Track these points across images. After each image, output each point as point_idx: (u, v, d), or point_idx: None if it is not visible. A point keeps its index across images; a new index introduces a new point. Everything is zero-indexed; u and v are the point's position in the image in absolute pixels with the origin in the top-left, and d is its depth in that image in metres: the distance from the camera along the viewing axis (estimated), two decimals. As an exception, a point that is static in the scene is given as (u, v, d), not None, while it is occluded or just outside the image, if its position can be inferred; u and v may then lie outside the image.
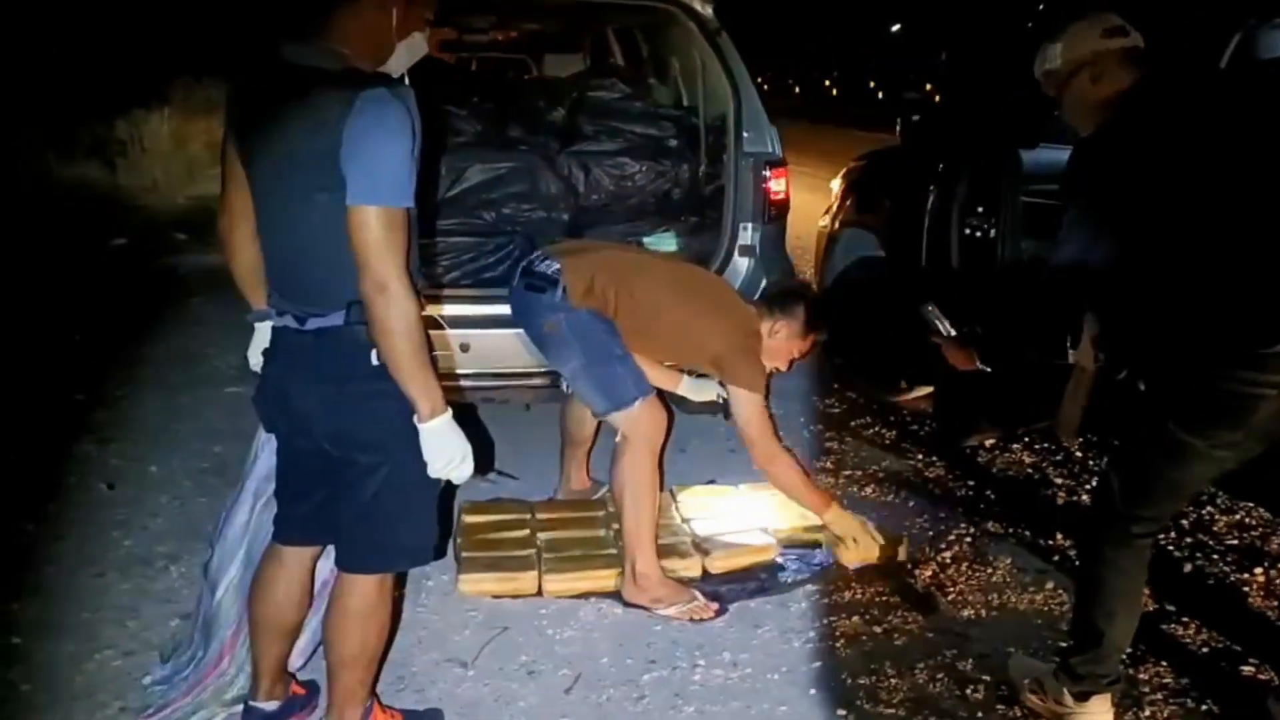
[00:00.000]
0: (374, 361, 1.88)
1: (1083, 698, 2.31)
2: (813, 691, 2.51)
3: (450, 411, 1.89)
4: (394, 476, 1.96)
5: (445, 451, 1.90)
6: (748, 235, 3.75)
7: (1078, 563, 2.50)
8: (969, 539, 3.29)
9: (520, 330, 3.07)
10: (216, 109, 13.19)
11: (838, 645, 2.71)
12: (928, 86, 24.94)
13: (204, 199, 9.81)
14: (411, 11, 1.97)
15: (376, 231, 1.76)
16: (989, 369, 2.51)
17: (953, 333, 2.74)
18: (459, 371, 3.32)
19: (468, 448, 1.93)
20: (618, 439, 2.93)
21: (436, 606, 2.84)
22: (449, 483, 1.99)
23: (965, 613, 2.86)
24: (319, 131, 1.78)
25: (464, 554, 3.00)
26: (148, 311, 5.68)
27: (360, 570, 2.06)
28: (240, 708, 2.31)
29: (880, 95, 28.59)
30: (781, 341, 3.09)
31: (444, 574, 2.98)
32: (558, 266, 2.92)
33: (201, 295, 6.05)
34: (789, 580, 3.01)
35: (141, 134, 10.75)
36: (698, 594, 2.87)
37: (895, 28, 36.06)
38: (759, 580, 3.00)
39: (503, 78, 6.91)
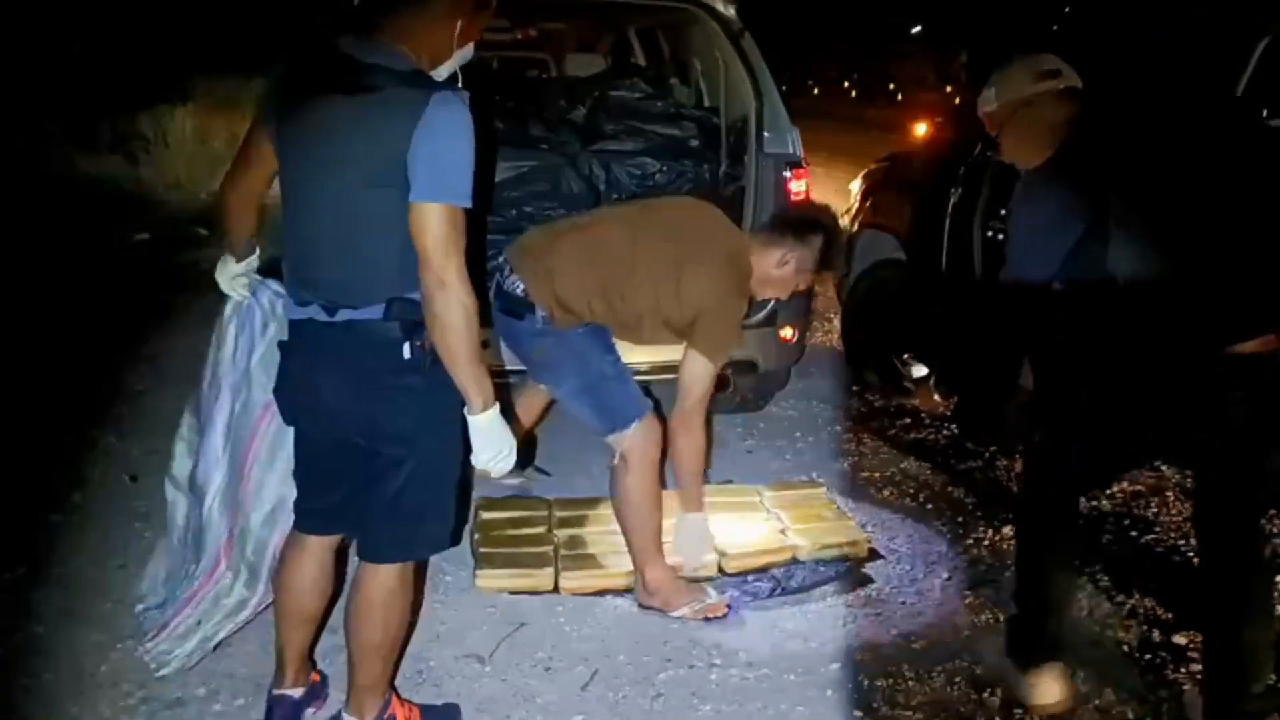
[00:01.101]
0: (405, 355, 1.92)
1: (1029, 666, 2.42)
2: (830, 693, 2.51)
3: (498, 406, 1.95)
4: (420, 469, 2.00)
5: (493, 444, 1.96)
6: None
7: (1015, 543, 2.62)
8: (987, 543, 3.29)
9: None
10: (239, 105, 13.26)
11: (855, 647, 2.71)
12: (948, 89, 24.84)
13: (226, 195, 9.87)
14: (474, 23, 2.00)
15: (441, 228, 1.81)
16: (954, 401, 2.63)
17: (922, 372, 2.84)
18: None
19: (513, 442, 2.00)
20: (615, 461, 2.81)
21: (454, 602, 2.85)
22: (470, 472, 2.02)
23: (983, 616, 2.85)
24: (384, 129, 1.82)
25: (481, 550, 3.01)
26: (169, 306, 5.72)
27: (383, 560, 2.08)
28: (243, 614, 2.43)
29: (900, 97, 28.47)
30: (790, 274, 2.86)
31: (461, 570, 2.99)
32: (523, 286, 2.75)
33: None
34: (806, 582, 3.00)
35: (164, 129, 10.81)
36: (711, 590, 2.87)
37: (916, 29, 35.94)
38: (775, 581, 3.00)
39: (524, 77, 6.93)
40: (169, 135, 10.75)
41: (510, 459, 2.00)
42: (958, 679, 2.56)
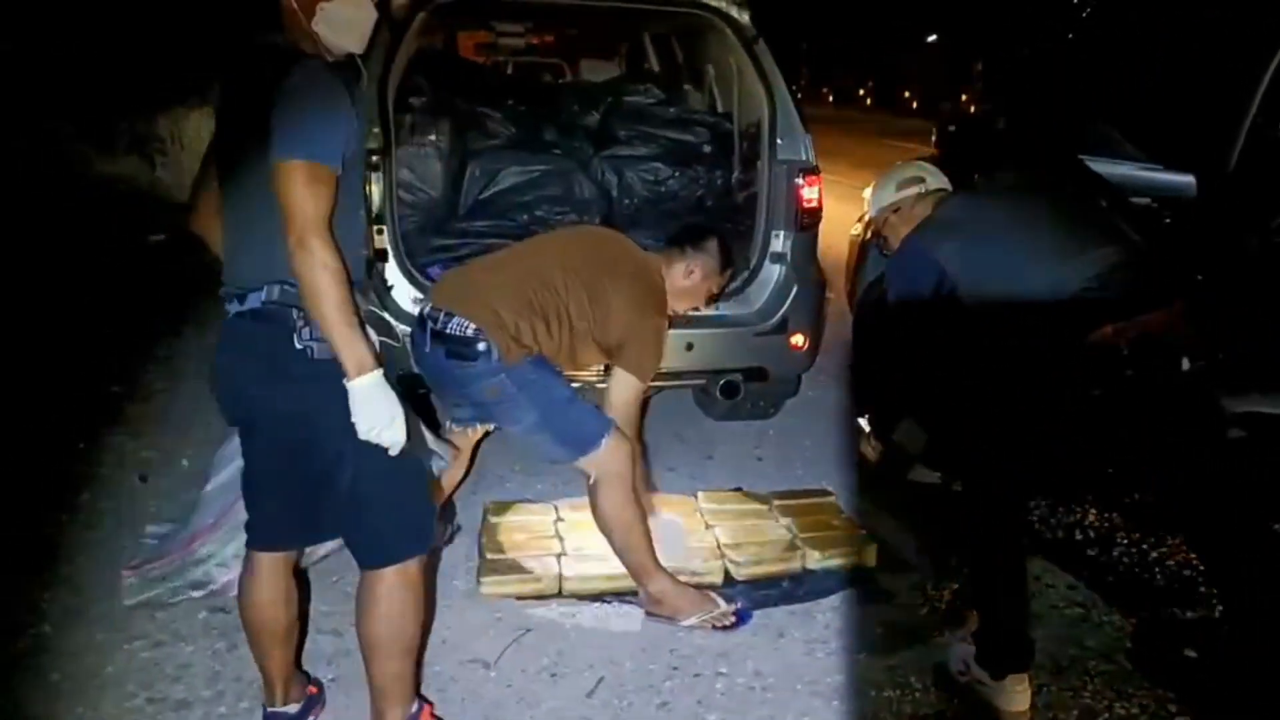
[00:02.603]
0: (297, 344, 1.90)
1: (998, 675, 2.48)
2: (836, 703, 2.49)
3: (380, 372, 1.86)
4: (364, 462, 1.93)
5: (370, 412, 1.86)
6: (779, 242, 3.75)
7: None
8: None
9: None
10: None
11: (862, 657, 2.69)
12: (963, 97, 24.77)
13: (240, 197, 9.92)
14: None
15: (296, 185, 1.78)
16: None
17: (866, 428, 3.40)
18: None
19: (397, 411, 1.89)
20: (590, 483, 2.80)
21: (459, 608, 2.85)
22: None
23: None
24: (258, 99, 1.84)
25: (487, 555, 3.01)
26: (183, 307, 5.74)
27: (372, 564, 2.06)
28: (201, 591, 2.54)
29: (915, 105, 28.42)
30: (698, 281, 2.98)
31: (467, 575, 2.99)
32: (473, 326, 2.65)
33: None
34: (815, 591, 2.98)
35: (181, 131, 10.86)
36: (719, 600, 2.85)
37: (931, 37, 35.87)
38: (783, 589, 2.98)
39: (538, 81, 6.94)
40: (185, 137, 10.81)
41: (395, 430, 1.88)
42: (967, 690, 2.54)
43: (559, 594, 2.91)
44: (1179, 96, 3.01)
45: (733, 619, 2.80)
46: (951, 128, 4.42)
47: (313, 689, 2.37)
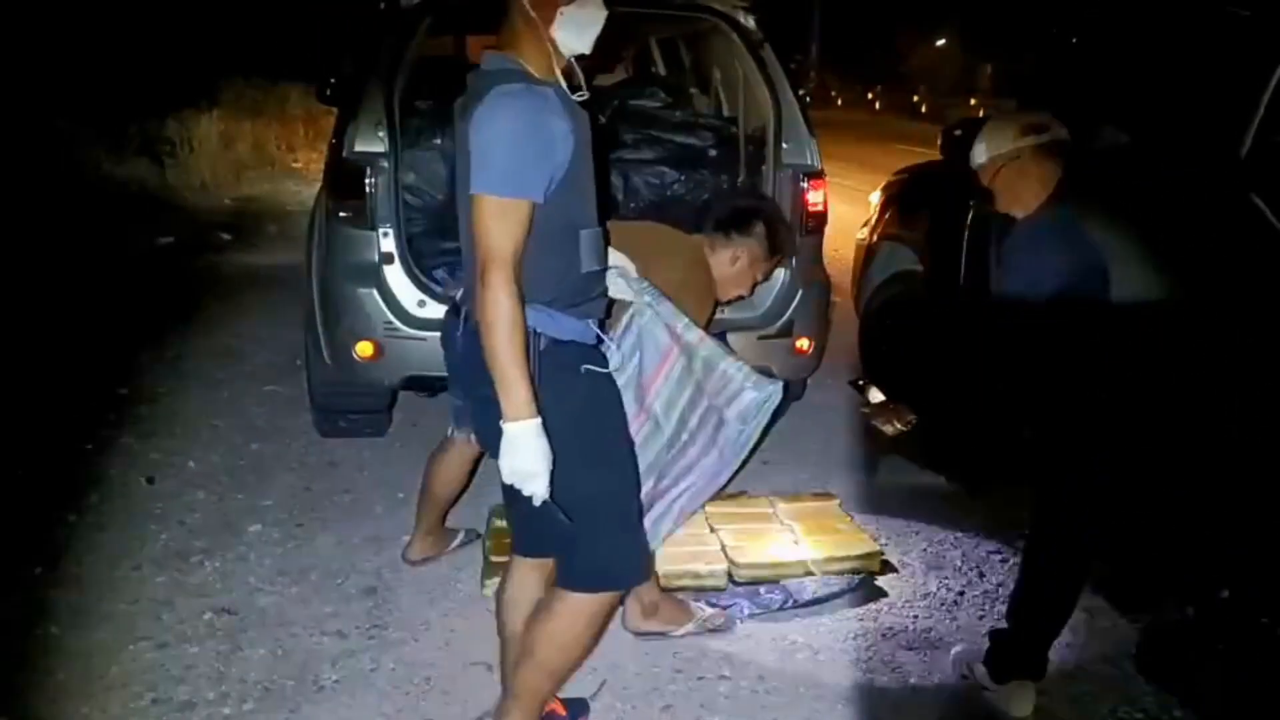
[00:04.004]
0: None
1: (1002, 680, 2.48)
2: (840, 707, 2.50)
3: (537, 422, 1.81)
4: (566, 492, 1.88)
5: (516, 459, 1.82)
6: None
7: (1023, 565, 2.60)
8: (999, 557, 3.26)
9: None
10: (264, 111, 13.42)
11: (866, 661, 2.69)
12: (972, 101, 24.69)
13: (250, 200, 9.97)
14: None
15: (484, 218, 1.78)
16: (914, 420, 2.69)
17: (880, 398, 2.82)
18: None
19: (542, 468, 1.82)
20: None
21: (464, 610, 2.86)
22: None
23: (996, 633, 2.83)
24: (467, 129, 1.84)
25: (492, 558, 3.01)
26: (192, 309, 5.77)
27: (565, 586, 2.03)
28: None
29: (924, 109, 28.36)
30: (744, 268, 2.82)
31: (472, 578, 3.00)
32: None
33: (244, 295, 6.15)
34: (818, 594, 2.98)
35: (191, 134, 10.92)
36: (704, 606, 2.84)
37: (940, 42, 35.80)
38: (787, 593, 2.98)
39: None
40: (195, 139, 10.86)
41: (539, 484, 1.83)
42: (972, 693, 2.54)
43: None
44: (1185, 92, 2.98)
45: (721, 620, 2.80)
46: (958, 132, 4.40)
47: (559, 709, 2.32)
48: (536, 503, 1.86)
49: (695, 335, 2.42)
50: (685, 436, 2.48)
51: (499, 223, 1.77)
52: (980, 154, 2.55)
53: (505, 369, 1.79)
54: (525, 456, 1.81)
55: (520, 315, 1.79)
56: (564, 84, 1.94)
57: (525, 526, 2.13)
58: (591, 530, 1.98)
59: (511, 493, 2.02)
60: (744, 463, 2.59)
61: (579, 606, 2.03)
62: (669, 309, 2.43)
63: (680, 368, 2.45)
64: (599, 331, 2.04)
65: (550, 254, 1.86)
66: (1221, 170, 2.53)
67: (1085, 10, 3.57)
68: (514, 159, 1.78)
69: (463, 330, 2.69)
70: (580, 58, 1.97)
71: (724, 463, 2.51)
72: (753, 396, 2.36)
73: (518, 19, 1.90)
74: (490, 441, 1.96)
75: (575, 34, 1.93)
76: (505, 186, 1.78)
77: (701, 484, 2.58)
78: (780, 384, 2.39)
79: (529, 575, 2.18)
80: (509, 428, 1.81)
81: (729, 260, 2.81)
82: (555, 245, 1.87)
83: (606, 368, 2.04)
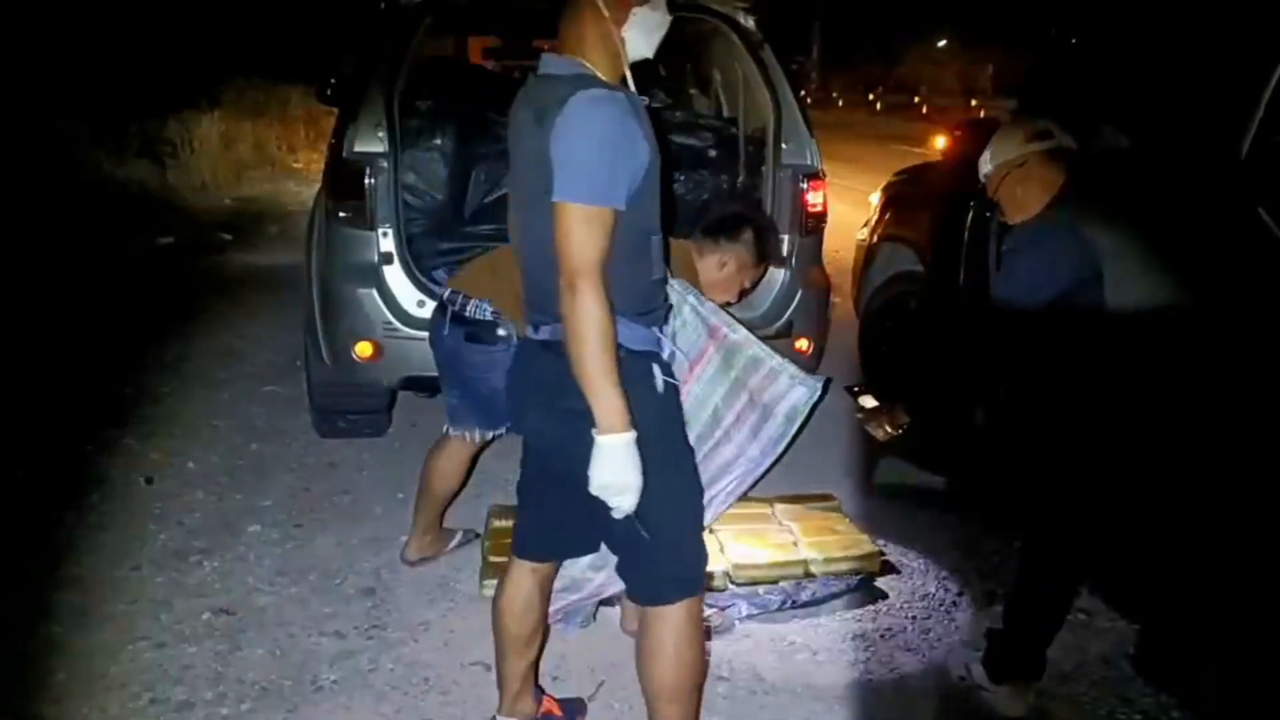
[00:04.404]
0: None
1: (1000, 680, 2.49)
2: (838, 709, 2.49)
3: (631, 435, 1.77)
4: (651, 502, 1.83)
5: (608, 472, 1.78)
6: (784, 246, 3.74)
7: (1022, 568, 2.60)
8: (999, 557, 3.25)
9: None
10: (265, 111, 13.43)
11: (865, 663, 2.69)
12: (973, 102, 24.68)
13: (250, 200, 9.98)
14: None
15: (570, 228, 1.73)
16: (909, 423, 2.71)
17: (873, 404, 2.96)
18: None
19: (635, 482, 1.79)
20: None
21: (462, 610, 2.86)
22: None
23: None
24: (537, 134, 1.78)
25: (490, 558, 3.00)
26: (192, 309, 5.78)
27: (653, 601, 1.99)
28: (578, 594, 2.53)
29: (925, 110, 28.34)
30: (731, 274, 2.81)
31: (471, 578, 3.00)
32: (492, 309, 2.68)
33: (245, 295, 6.15)
34: (817, 596, 2.98)
35: (192, 134, 10.93)
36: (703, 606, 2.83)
37: (942, 43, 35.78)
38: (786, 594, 2.97)
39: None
40: (196, 140, 10.87)
41: (629, 499, 1.79)
42: (971, 694, 2.54)
43: (562, 597, 2.91)
44: (1185, 93, 2.98)
45: (719, 621, 2.80)
46: (958, 132, 4.41)
47: (555, 709, 2.33)
48: (619, 515, 1.82)
49: (742, 334, 2.45)
50: (719, 434, 2.49)
51: (586, 231, 1.73)
52: (987, 163, 2.58)
53: (599, 381, 1.74)
54: (620, 470, 1.77)
55: (612, 325, 1.76)
56: (631, 87, 1.92)
57: (546, 530, 2.12)
58: (677, 538, 1.96)
59: (540, 496, 2.05)
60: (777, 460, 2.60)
61: (682, 615, 1.98)
62: (710, 309, 2.46)
63: (714, 367, 2.47)
64: (666, 340, 2.03)
65: (624, 261, 1.81)
66: (1220, 171, 2.54)
67: (1085, 11, 3.57)
68: (601, 166, 1.74)
69: (449, 330, 2.72)
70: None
71: (762, 459, 2.53)
72: (802, 393, 2.38)
73: (587, 19, 1.86)
74: (552, 452, 1.97)
75: (644, 36, 1.90)
76: (593, 194, 1.74)
77: (737, 483, 2.59)
78: (823, 380, 2.40)
79: (526, 579, 2.18)
80: (603, 440, 1.76)
81: (716, 265, 2.81)
82: (629, 252, 1.82)
83: (675, 378, 2.01)
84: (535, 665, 2.29)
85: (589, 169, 1.73)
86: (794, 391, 2.38)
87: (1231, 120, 2.56)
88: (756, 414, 2.45)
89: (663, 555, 1.94)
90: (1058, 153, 2.48)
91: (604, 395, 1.75)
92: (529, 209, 1.88)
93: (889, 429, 2.81)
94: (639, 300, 1.89)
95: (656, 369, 1.92)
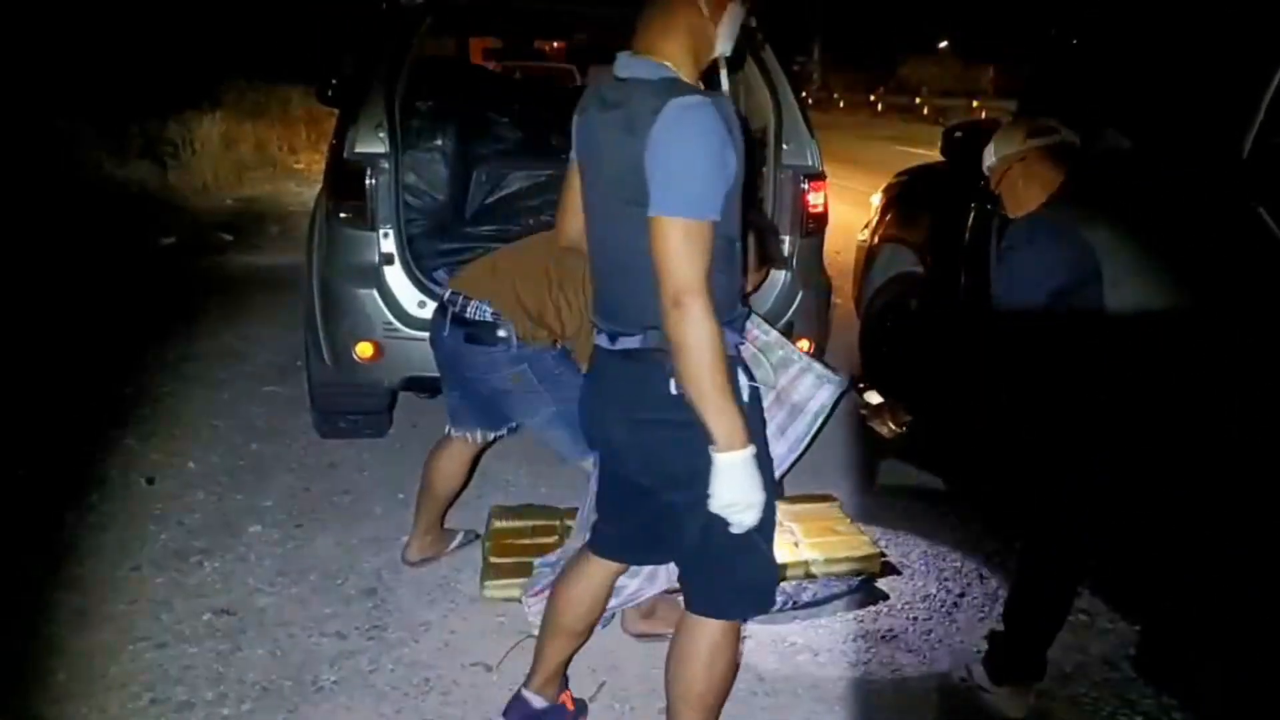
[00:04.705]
0: (672, 390, 1.79)
1: (1000, 682, 2.50)
2: (839, 709, 2.49)
3: (752, 450, 1.75)
4: (717, 519, 1.80)
5: (730, 490, 1.74)
6: (785, 247, 3.74)
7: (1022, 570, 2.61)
8: (999, 559, 3.25)
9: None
10: (266, 112, 13.45)
11: (866, 663, 2.69)
12: (974, 103, 24.67)
13: (251, 201, 9.98)
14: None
15: (673, 244, 1.69)
16: (911, 420, 2.71)
17: (878, 400, 2.96)
18: None
19: (759, 498, 1.77)
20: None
21: (463, 611, 2.86)
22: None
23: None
24: (630, 144, 1.73)
25: (491, 559, 3.01)
26: (194, 310, 5.78)
27: (705, 613, 1.98)
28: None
29: (926, 111, 28.34)
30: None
31: (471, 578, 2.99)
32: (492, 310, 2.67)
33: (245, 295, 6.15)
34: (818, 596, 2.98)
35: (193, 135, 10.93)
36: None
37: (943, 44, 35.81)
38: (787, 595, 2.97)
39: (547, 86, 6.95)
40: (197, 141, 10.88)
41: (749, 515, 1.76)
42: (972, 694, 2.53)
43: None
44: (1186, 94, 2.98)
45: None
46: (958, 133, 4.40)
47: (568, 701, 2.35)
48: (739, 531, 1.79)
49: (774, 336, 2.46)
50: None
51: (689, 247, 1.69)
52: (990, 156, 2.60)
53: (716, 397, 1.71)
54: (745, 487, 1.75)
55: (722, 339, 1.72)
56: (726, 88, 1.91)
57: (628, 537, 2.11)
58: (756, 553, 1.94)
59: (620, 506, 2.05)
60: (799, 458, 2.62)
61: (727, 636, 1.98)
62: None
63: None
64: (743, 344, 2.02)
65: (716, 270, 1.77)
66: (1221, 171, 2.54)
67: (1085, 11, 3.57)
68: (700, 178, 1.70)
69: (449, 331, 2.72)
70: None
71: (788, 455, 2.55)
72: (830, 390, 2.41)
73: (681, 17, 1.81)
74: (633, 463, 1.96)
75: (730, 32, 1.87)
76: (694, 208, 1.70)
77: None
78: (848, 378, 2.41)
79: (598, 574, 2.19)
80: (725, 458, 1.73)
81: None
82: (719, 261, 1.78)
83: (757, 382, 2.00)
84: (572, 656, 2.32)
85: (689, 182, 1.70)
86: (822, 390, 2.41)
87: (1232, 121, 2.57)
88: (784, 412, 2.47)
89: (740, 570, 1.92)
90: (1060, 150, 2.49)
91: (723, 412, 1.71)
92: (610, 218, 1.86)
93: (893, 426, 2.81)
94: (726, 307, 1.85)
95: (743, 375, 1.90)
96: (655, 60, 1.80)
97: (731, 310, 1.89)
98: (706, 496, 1.77)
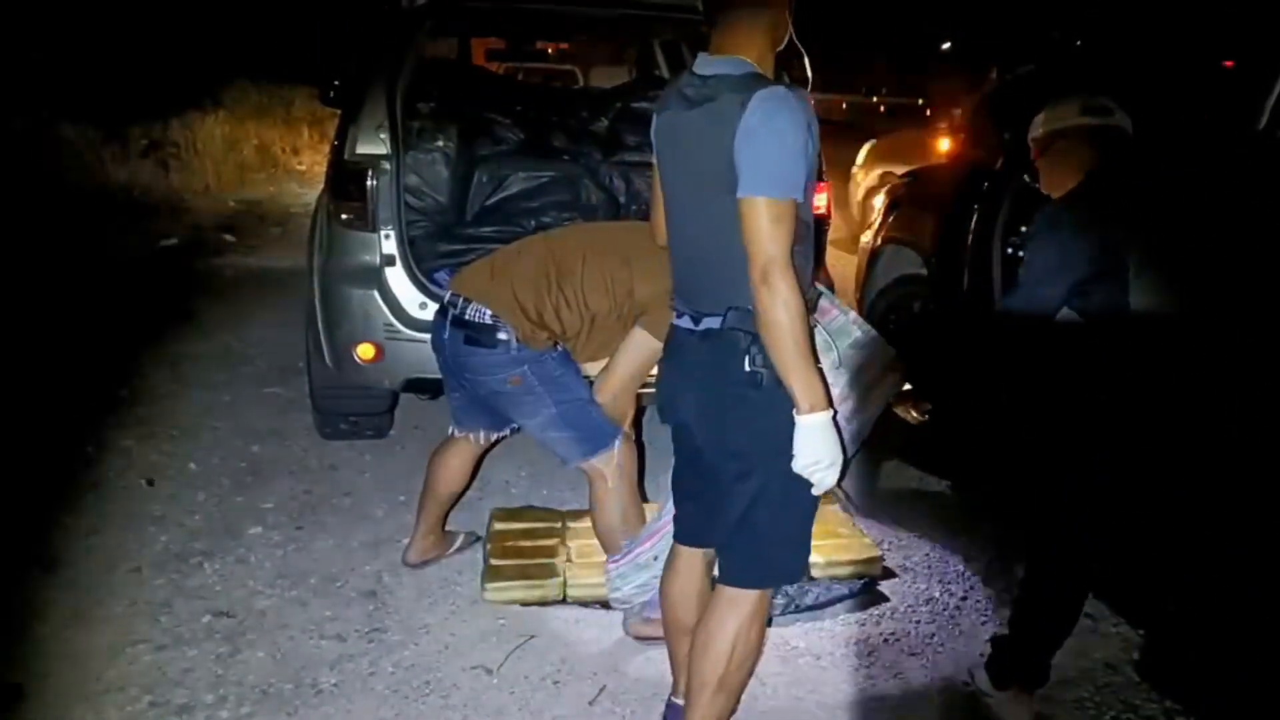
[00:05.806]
0: (746, 367, 1.90)
1: (1003, 686, 2.48)
2: (840, 713, 2.48)
3: (832, 413, 1.88)
4: (767, 490, 1.96)
5: (815, 450, 1.86)
6: None
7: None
8: (1001, 563, 3.24)
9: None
10: (268, 113, 13.44)
11: (868, 666, 2.68)
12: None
13: (253, 202, 9.98)
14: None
15: (761, 222, 1.81)
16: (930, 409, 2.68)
17: (907, 387, 2.91)
18: None
19: (839, 456, 1.89)
20: (599, 491, 2.77)
21: (464, 613, 2.85)
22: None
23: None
24: (717, 134, 1.84)
25: (492, 561, 3.00)
26: (194, 311, 5.77)
27: (733, 584, 2.06)
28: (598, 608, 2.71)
29: (929, 113, 28.34)
30: None
31: (472, 581, 2.99)
32: (490, 312, 2.65)
33: (247, 296, 6.15)
34: (819, 599, 2.97)
35: (195, 136, 10.94)
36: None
37: (946, 45, 35.79)
38: (789, 598, 2.96)
39: (548, 87, 6.94)
40: (199, 142, 10.88)
41: (832, 473, 1.88)
42: (976, 699, 2.52)
43: (563, 601, 2.90)
44: (1186, 94, 2.97)
45: None
46: (962, 135, 4.39)
47: None
48: (818, 491, 1.91)
49: (852, 315, 2.47)
50: None
51: (776, 224, 1.81)
52: (1037, 127, 2.55)
53: (800, 364, 1.83)
54: (826, 446, 1.86)
55: (805, 310, 1.84)
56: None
57: (705, 517, 2.13)
58: (798, 525, 2.05)
59: (696, 485, 2.11)
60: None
61: (751, 607, 2.06)
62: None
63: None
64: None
65: (795, 252, 1.88)
66: (1222, 171, 2.52)
67: (1085, 12, 3.56)
68: (786, 161, 1.82)
69: (449, 332, 2.71)
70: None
71: (851, 445, 2.53)
72: (894, 378, 2.42)
73: (764, 18, 1.94)
74: (709, 435, 2.02)
75: (787, 29, 1.99)
76: (781, 188, 1.81)
77: None
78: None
79: (697, 563, 2.22)
80: (810, 420, 1.84)
81: None
82: (798, 242, 1.90)
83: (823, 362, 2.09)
84: None
85: (776, 164, 1.82)
86: (888, 378, 2.41)
87: (1233, 121, 2.56)
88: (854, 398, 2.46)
89: (779, 541, 2.03)
90: (1108, 133, 2.43)
91: (807, 376, 1.83)
92: (693, 205, 1.98)
93: (914, 413, 2.80)
94: (805, 287, 1.94)
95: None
96: (735, 57, 1.92)
97: (809, 290, 1.98)
98: (759, 472, 1.93)
